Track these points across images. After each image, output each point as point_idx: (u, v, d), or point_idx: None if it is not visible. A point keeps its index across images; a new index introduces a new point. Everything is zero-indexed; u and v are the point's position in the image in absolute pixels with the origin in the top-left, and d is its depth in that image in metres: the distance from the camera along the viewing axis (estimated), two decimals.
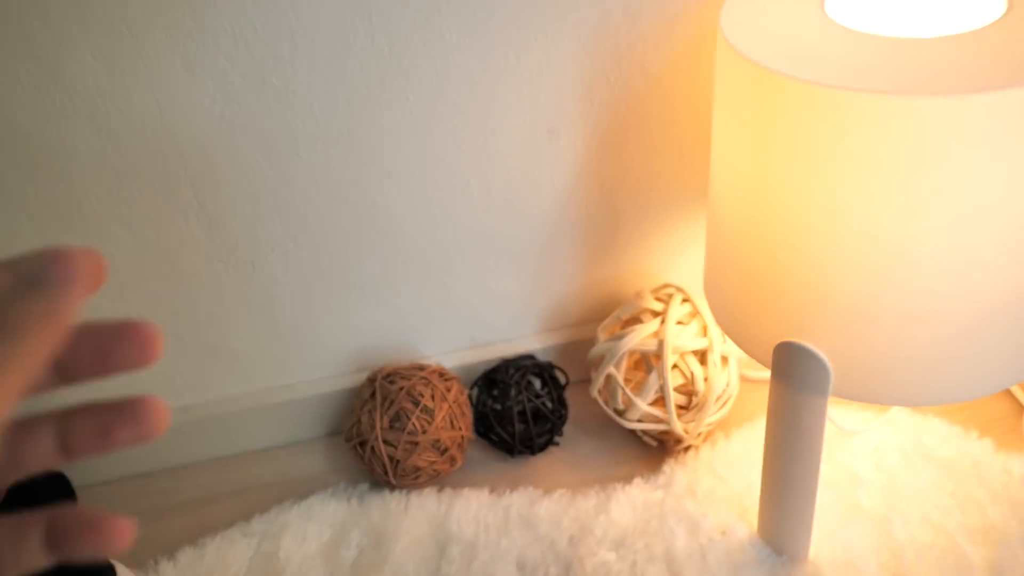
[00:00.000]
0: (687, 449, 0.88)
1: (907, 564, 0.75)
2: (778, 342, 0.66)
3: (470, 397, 0.91)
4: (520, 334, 0.96)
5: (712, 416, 0.85)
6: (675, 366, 0.84)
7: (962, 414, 0.88)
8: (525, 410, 0.88)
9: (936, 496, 0.80)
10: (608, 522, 0.81)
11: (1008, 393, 0.90)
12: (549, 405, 0.89)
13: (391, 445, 0.84)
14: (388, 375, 0.86)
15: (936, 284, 0.57)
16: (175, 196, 0.78)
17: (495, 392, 0.89)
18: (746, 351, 0.70)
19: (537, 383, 0.90)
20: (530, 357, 0.93)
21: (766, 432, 0.71)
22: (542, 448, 0.90)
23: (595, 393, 0.88)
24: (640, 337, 0.83)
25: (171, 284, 0.84)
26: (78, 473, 0.94)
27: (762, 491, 0.76)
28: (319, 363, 0.94)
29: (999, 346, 0.61)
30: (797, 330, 0.64)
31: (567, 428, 0.93)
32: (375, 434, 0.84)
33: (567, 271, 0.92)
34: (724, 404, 0.85)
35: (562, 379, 0.94)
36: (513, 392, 0.88)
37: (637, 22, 0.76)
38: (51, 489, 0.84)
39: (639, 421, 0.85)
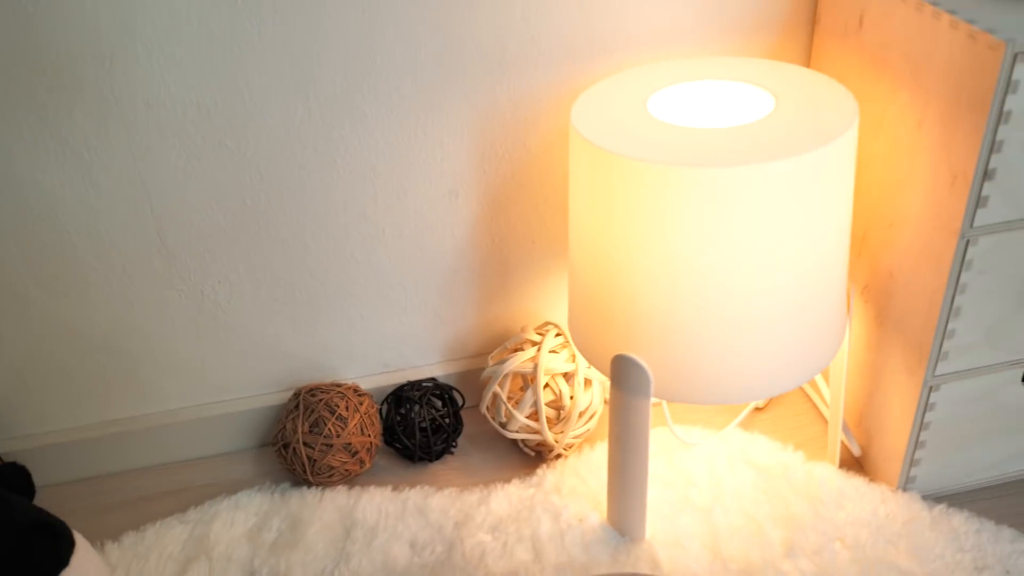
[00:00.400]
0: (558, 457, 1.06)
1: (722, 543, 0.93)
2: (613, 356, 0.85)
3: (380, 411, 1.08)
4: (426, 362, 1.14)
5: (578, 429, 1.03)
6: (547, 385, 1.02)
7: (783, 432, 1.08)
8: (426, 423, 1.05)
9: (751, 493, 0.99)
10: (487, 512, 0.98)
11: (820, 415, 1.10)
12: (446, 420, 1.07)
13: (310, 447, 1.00)
14: (311, 390, 1.03)
15: (725, 308, 0.78)
16: (141, 233, 0.96)
17: (402, 409, 1.07)
18: (596, 367, 0.89)
19: (438, 402, 1.07)
20: (433, 380, 1.10)
21: (609, 432, 0.90)
22: (439, 456, 1.07)
23: (484, 409, 1.06)
24: (519, 361, 1.02)
25: (132, 307, 1.01)
26: (33, 473, 1.08)
27: (608, 483, 0.94)
28: (253, 382, 1.10)
29: (773, 358, 0.81)
30: (627, 346, 0.84)
31: (461, 440, 1.11)
32: (297, 437, 1.00)
33: (466, 309, 1.11)
34: (589, 419, 1.04)
35: (459, 400, 1.12)
36: (416, 408, 1.06)
37: (519, 109, 0.97)
38: (12, 478, 0.98)
39: (518, 432, 1.03)
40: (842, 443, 1.07)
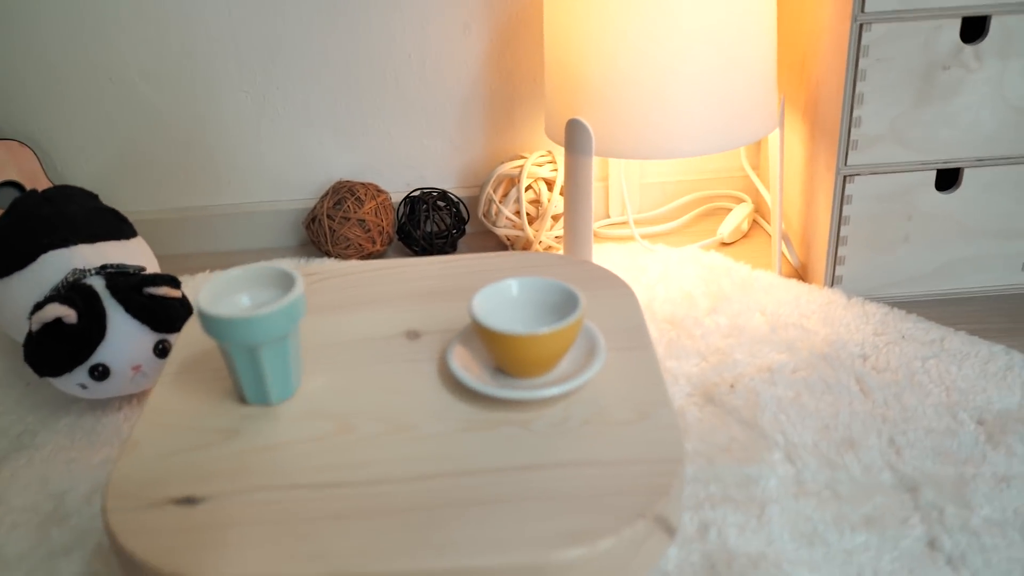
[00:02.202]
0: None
1: (656, 305, 1.08)
2: (567, 120, 1.04)
3: (396, 210, 1.30)
4: (442, 186, 1.35)
5: (554, 231, 1.21)
6: (529, 187, 1.21)
7: (739, 254, 1.22)
8: (431, 220, 1.26)
9: (692, 280, 1.14)
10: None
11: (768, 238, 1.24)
12: (448, 221, 1.27)
13: (331, 219, 1.22)
14: (341, 182, 1.26)
15: (657, 72, 0.96)
16: (221, 37, 1.23)
17: (413, 210, 1.28)
18: (558, 141, 1.08)
19: (443, 205, 1.28)
20: (442, 190, 1.31)
21: (564, 189, 1.08)
22: (440, 252, 1.27)
23: (480, 214, 1.26)
24: (509, 166, 1.22)
25: (210, 105, 1.27)
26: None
27: (564, 232, 1.11)
28: (298, 185, 1.34)
29: (701, 120, 0.98)
30: (577, 112, 1.03)
31: (460, 244, 1.30)
32: (322, 211, 1.23)
33: (477, 138, 1.32)
34: (560, 220, 1.22)
35: (464, 213, 1.32)
36: (424, 207, 1.27)
37: None
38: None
39: (504, 226, 1.22)
40: (785, 259, 1.20)
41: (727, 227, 1.27)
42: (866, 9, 0.95)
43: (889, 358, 0.96)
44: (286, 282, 0.69)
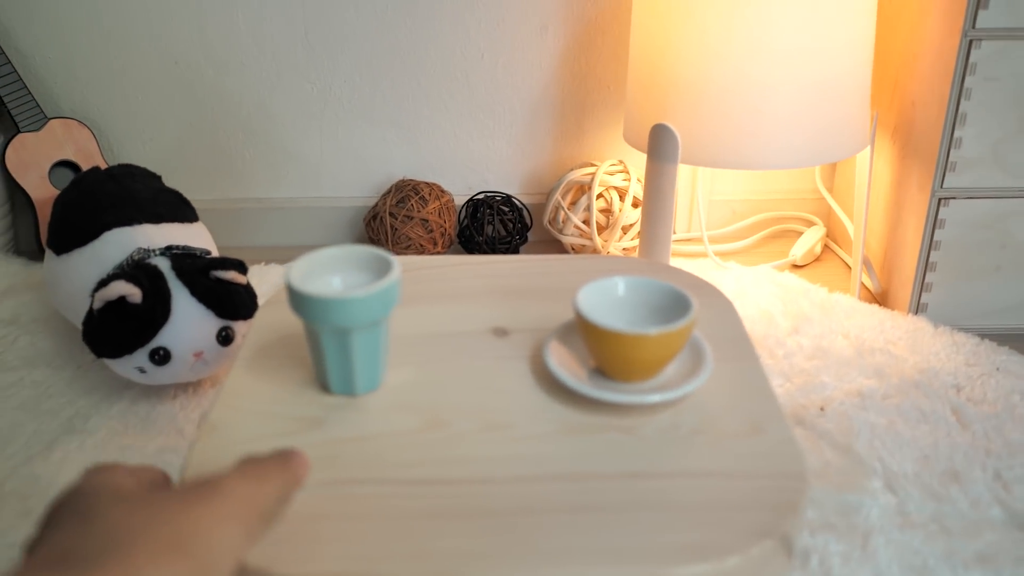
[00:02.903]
0: None
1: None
2: (651, 125, 1.00)
3: (458, 213, 1.26)
4: (504, 191, 1.31)
5: (624, 242, 1.17)
6: (600, 195, 1.18)
7: (813, 277, 1.17)
8: (495, 224, 1.22)
9: (769, 299, 1.09)
10: None
11: (845, 265, 1.19)
12: (511, 226, 1.23)
13: (393, 217, 1.19)
14: (404, 180, 1.23)
15: (750, 83, 0.92)
16: (291, 25, 1.20)
17: (477, 213, 1.24)
18: (638, 147, 1.05)
19: (507, 210, 1.24)
20: (506, 195, 1.27)
21: (644, 196, 1.04)
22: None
23: (546, 222, 1.22)
24: (580, 173, 1.18)
25: (273, 92, 1.24)
26: None
27: (640, 240, 1.06)
28: (358, 182, 1.30)
29: (790, 133, 0.94)
30: (662, 117, 0.99)
31: (523, 252, 1.26)
32: (384, 208, 1.19)
33: (544, 143, 1.28)
34: (635, 237, 1.18)
35: (527, 218, 1.28)
36: (487, 211, 1.23)
37: None
38: None
39: (571, 234, 1.18)
40: (865, 287, 1.16)
41: (800, 249, 1.22)
42: (977, 25, 0.91)
43: (985, 390, 0.91)
44: (381, 266, 0.65)
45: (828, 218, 1.31)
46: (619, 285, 0.69)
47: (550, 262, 0.87)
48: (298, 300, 0.61)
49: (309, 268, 0.65)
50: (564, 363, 0.68)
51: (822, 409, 0.88)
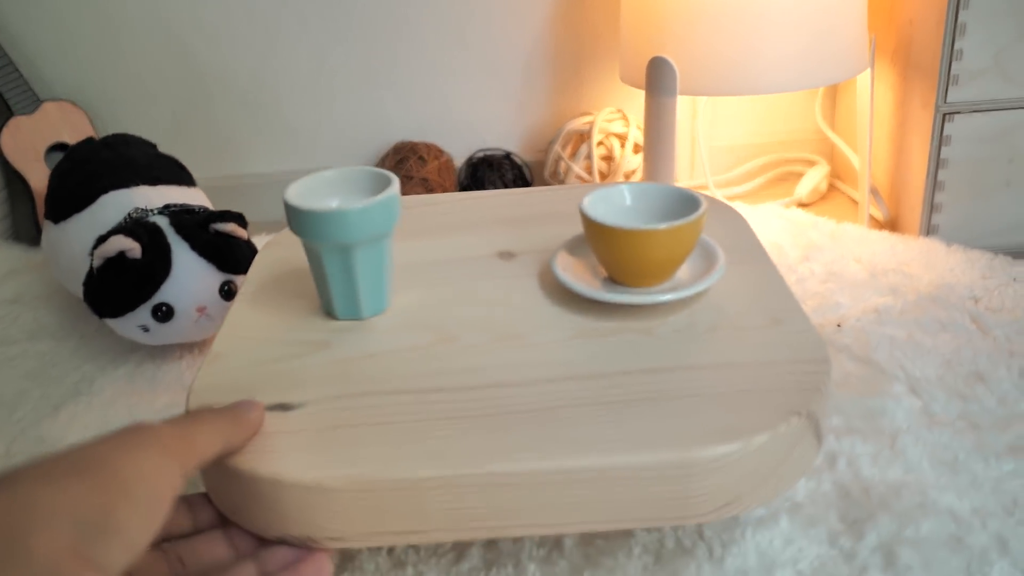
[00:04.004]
0: None
1: None
2: (648, 59, 0.99)
3: (458, 173, 1.24)
4: (505, 149, 1.30)
5: None
6: (600, 143, 1.16)
7: (820, 212, 1.16)
8: (495, 180, 1.21)
9: (781, 235, 1.07)
10: None
11: (852, 201, 1.18)
12: (511, 182, 1.22)
13: None
14: (403, 141, 1.22)
15: (746, 3, 0.91)
16: None
17: (476, 171, 1.23)
18: (636, 84, 1.03)
19: (507, 165, 1.23)
20: (505, 152, 1.26)
21: (644, 134, 1.03)
22: None
23: (547, 175, 1.20)
24: (578, 122, 1.17)
25: (267, 61, 1.23)
26: None
27: (644, 176, 1.05)
28: (357, 150, 1.29)
29: (788, 55, 0.93)
30: (659, 51, 0.97)
31: None
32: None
33: (541, 100, 1.27)
34: (632, 178, 1.16)
35: (527, 174, 1.27)
36: (488, 169, 1.21)
37: None
38: None
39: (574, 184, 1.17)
40: (874, 218, 1.14)
41: (805, 187, 1.21)
42: None
43: (1003, 299, 0.89)
44: (380, 184, 0.64)
45: (832, 157, 1.29)
46: (625, 193, 0.67)
47: (556, 190, 0.86)
48: (298, 218, 0.60)
49: (307, 188, 0.64)
50: (573, 273, 0.66)
51: (839, 326, 0.86)
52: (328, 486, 0.49)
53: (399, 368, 0.59)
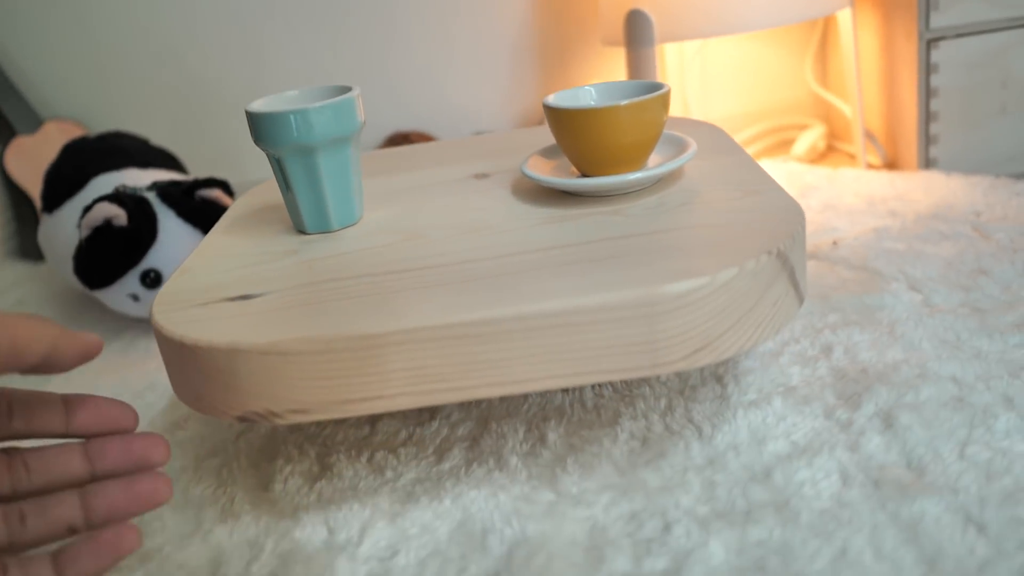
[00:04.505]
0: None
1: None
2: (625, 14, 0.99)
3: None
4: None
5: None
6: None
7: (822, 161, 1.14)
8: None
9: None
10: None
11: (850, 156, 1.16)
12: None
13: None
14: (395, 133, 1.23)
15: None
16: None
17: None
18: (616, 43, 1.03)
19: None
20: None
21: None
22: None
23: None
24: None
25: (261, 72, 1.26)
26: None
27: None
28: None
29: None
30: (636, 3, 0.98)
31: None
32: None
33: (529, 87, 1.28)
34: None
35: None
36: None
37: None
38: None
39: None
40: (872, 166, 1.12)
41: (802, 146, 1.19)
42: None
43: (1006, 211, 0.86)
44: (344, 94, 0.64)
45: (828, 119, 1.28)
46: (591, 91, 0.67)
47: (534, 130, 0.85)
48: (259, 123, 0.60)
49: (270, 103, 0.64)
50: (544, 171, 0.65)
51: (835, 243, 0.83)
52: (285, 349, 0.48)
53: (366, 260, 0.58)
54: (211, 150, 1.30)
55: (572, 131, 0.61)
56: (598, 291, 0.48)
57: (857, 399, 0.58)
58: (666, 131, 0.68)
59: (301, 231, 0.65)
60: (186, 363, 0.51)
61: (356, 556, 0.50)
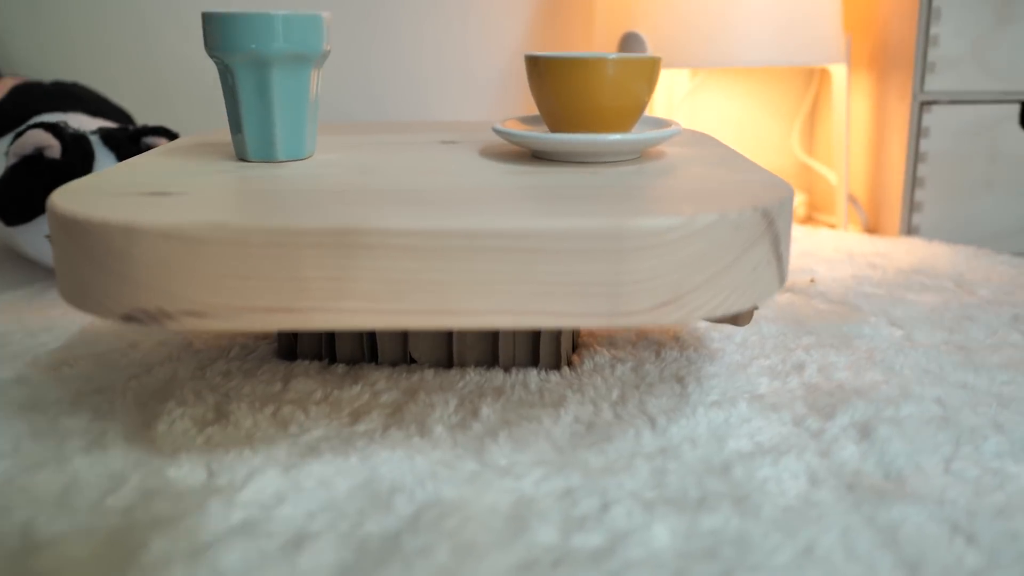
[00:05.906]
0: None
1: None
2: (621, 35, 0.97)
3: None
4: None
5: None
6: None
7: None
8: None
9: None
10: None
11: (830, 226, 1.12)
12: None
13: None
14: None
15: None
16: None
17: None
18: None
19: None
20: None
21: None
22: None
23: None
24: None
25: None
26: None
27: None
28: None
29: (766, 31, 0.90)
30: (631, 25, 0.95)
31: None
32: None
33: (523, 109, 1.24)
34: None
35: None
36: None
37: None
38: None
39: None
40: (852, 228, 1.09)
41: None
42: None
43: (989, 275, 0.82)
44: None
45: (811, 189, 1.25)
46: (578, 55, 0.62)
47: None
48: (214, 25, 0.54)
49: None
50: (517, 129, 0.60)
51: (812, 281, 0.79)
52: (190, 235, 0.41)
53: (305, 183, 0.51)
54: (176, 122, 1.24)
55: (554, 85, 0.56)
56: (560, 217, 0.42)
57: (831, 410, 0.52)
58: (650, 115, 0.64)
59: (243, 158, 0.58)
60: (76, 247, 0.43)
61: (234, 501, 0.42)
